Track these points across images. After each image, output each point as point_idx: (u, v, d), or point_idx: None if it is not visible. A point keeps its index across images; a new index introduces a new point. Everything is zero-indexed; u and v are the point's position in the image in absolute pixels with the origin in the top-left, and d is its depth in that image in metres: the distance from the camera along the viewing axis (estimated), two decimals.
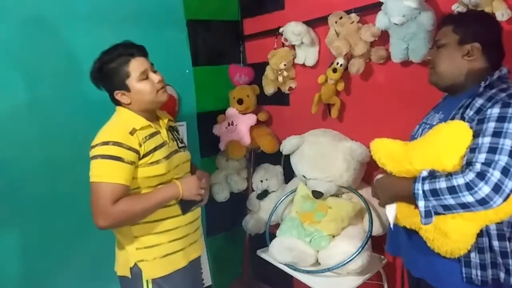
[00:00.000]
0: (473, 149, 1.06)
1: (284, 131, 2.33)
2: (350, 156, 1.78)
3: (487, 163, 1.01)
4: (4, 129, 1.75)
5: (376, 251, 1.83)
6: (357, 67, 1.77)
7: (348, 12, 1.80)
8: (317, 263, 1.77)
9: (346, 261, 1.62)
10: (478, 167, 1.02)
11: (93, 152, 1.30)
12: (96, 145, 1.30)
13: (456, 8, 1.39)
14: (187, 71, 2.35)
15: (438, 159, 1.10)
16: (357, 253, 1.62)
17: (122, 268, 1.44)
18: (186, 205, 1.45)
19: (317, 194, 1.83)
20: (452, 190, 1.03)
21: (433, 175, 1.10)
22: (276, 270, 1.86)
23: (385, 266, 1.82)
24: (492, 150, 1.02)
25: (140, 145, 1.33)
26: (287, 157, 2.05)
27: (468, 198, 1.01)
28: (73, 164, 1.83)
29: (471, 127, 1.09)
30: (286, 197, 2.08)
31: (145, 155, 1.34)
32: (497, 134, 1.03)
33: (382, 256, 1.85)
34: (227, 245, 2.65)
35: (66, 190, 1.87)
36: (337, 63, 1.84)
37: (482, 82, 1.14)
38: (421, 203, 1.08)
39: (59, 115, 1.87)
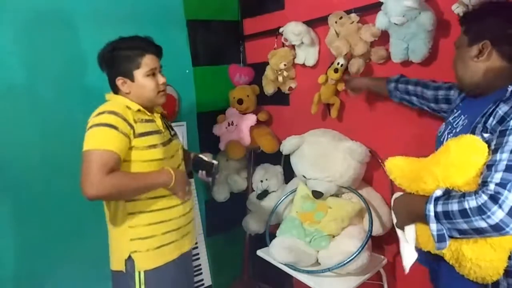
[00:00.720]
0: (489, 166, 0.96)
1: (284, 131, 2.33)
2: (350, 156, 1.78)
3: (503, 184, 0.91)
4: (4, 129, 1.75)
5: (376, 251, 1.83)
6: (357, 67, 1.77)
7: (348, 12, 1.80)
8: (317, 263, 1.77)
9: (346, 261, 1.62)
10: (491, 188, 0.92)
11: (88, 125, 1.29)
12: (91, 118, 1.30)
13: (456, 8, 1.38)
14: (187, 71, 2.35)
15: (451, 179, 1.02)
16: (357, 253, 1.62)
17: (117, 262, 1.42)
18: (211, 176, 1.60)
19: (317, 194, 1.83)
20: (463, 213, 0.94)
21: (448, 194, 1.01)
22: (276, 270, 1.86)
23: (385, 266, 1.82)
24: (509, 168, 0.92)
25: (135, 122, 1.32)
26: (287, 157, 2.05)
27: (480, 223, 0.91)
28: (73, 164, 1.82)
29: (490, 140, 0.99)
30: (286, 197, 2.08)
31: (140, 135, 1.33)
32: None
33: (382, 256, 1.85)
34: (227, 245, 2.65)
35: (66, 189, 1.87)
36: (338, 63, 1.84)
37: (510, 86, 1.04)
38: (433, 226, 1.00)
39: (59, 115, 1.87)
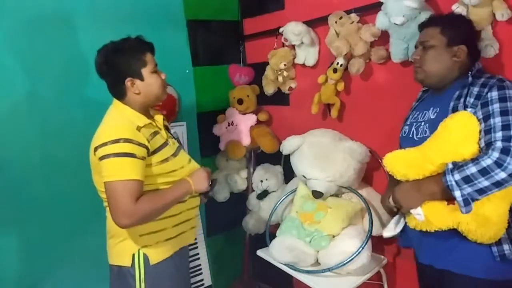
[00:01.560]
0: (487, 131, 1.13)
1: (284, 131, 2.33)
2: (350, 156, 1.78)
3: (506, 139, 1.08)
4: (4, 129, 1.75)
5: (376, 251, 1.83)
6: (357, 67, 1.77)
7: (348, 12, 1.80)
8: (317, 263, 1.77)
9: (346, 261, 1.62)
10: (499, 144, 1.08)
11: (103, 151, 1.27)
12: (105, 144, 1.27)
13: (456, 8, 1.39)
14: (187, 71, 2.35)
15: (456, 151, 1.16)
16: (357, 253, 1.62)
17: (120, 257, 1.43)
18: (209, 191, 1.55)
19: (317, 194, 1.83)
20: (483, 172, 1.07)
21: (458, 165, 1.13)
22: (276, 270, 1.86)
23: (385, 266, 1.82)
24: (506, 127, 1.10)
25: (148, 142, 1.34)
26: (287, 157, 2.05)
27: (501, 175, 1.06)
28: (73, 164, 1.84)
29: (475, 112, 1.17)
30: (286, 197, 2.08)
31: (153, 152, 1.36)
32: (504, 112, 1.12)
33: (382, 256, 1.85)
34: (227, 245, 2.65)
35: (66, 189, 1.88)
36: (337, 63, 1.84)
37: (469, 73, 1.26)
38: (457, 193, 1.11)
39: (59, 115, 1.87)
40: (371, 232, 1.71)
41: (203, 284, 2.22)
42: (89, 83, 1.94)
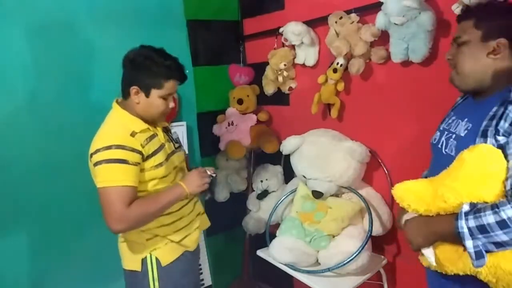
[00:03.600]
0: None
1: (284, 131, 2.33)
2: (350, 156, 1.78)
3: None
4: (4, 129, 1.75)
5: (376, 251, 1.83)
6: (357, 67, 1.77)
7: (348, 12, 1.80)
8: (317, 263, 1.77)
9: (346, 261, 1.62)
10: None
11: (96, 158, 1.30)
12: (98, 150, 1.29)
13: (456, 8, 1.38)
14: (187, 71, 2.34)
15: (474, 192, 0.98)
16: (357, 253, 1.62)
17: (132, 262, 1.46)
18: (210, 189, 1.54)
19: (317, 194, 1.83)
20: (502, 224, 0.90)
21: (475, 208, 0.96)
22: (276, 270, 1.86)
23: (385, 266, 1.82)
24: None
25: (143, 147, 1.35)
26: (287, 157, 2.05)
27: None
28: (72, 164, 1.84)
29: (507, 142, 0.97)
30: (286, 197, 2.08)
31: (148, 157, 1.36)
32: None
33: (382, 256, 1.85)
34: (227, 245, 2.65)
35: (66, 190, 1.88)
36: (337, 63, 1.84)
37: None
38: (469, 243, 0.94)
39: (59, 116, 1.87)
40: (371, 232, 1.71)
41: (203, 284, 2.23)
42: (89, 84, 1.94)
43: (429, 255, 1.08)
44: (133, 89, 1.37)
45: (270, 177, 2.36)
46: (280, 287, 2.53)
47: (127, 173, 1.29)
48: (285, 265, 1.80)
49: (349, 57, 1.83)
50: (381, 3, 1.57)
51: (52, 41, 1.85)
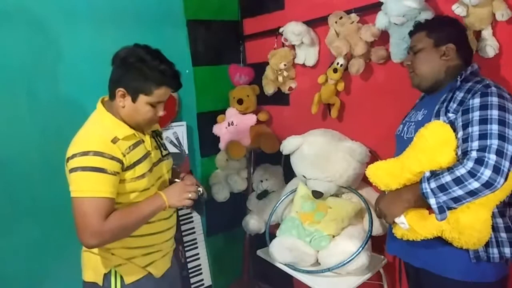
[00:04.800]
0: (465, 139, 1.14)
1: (284, 131, 2.33)
2: (350, 156, 1.78)
3: (482, 149, 1.08)
4: (4, 129, 1.75)
5: (376, 251, 1.83)
6: (357, 67, 1.77)
7: (348, 12, 1.80)
8: (317, 263, 1.77)
9: (346, 261, 1.62)
10: (474, 154, 1.09)
11: (71, 164, 1.19)
12: (75, 155, 1.19)
13: (456, 8, 1.39)
14: (187, 71, 2.35)
15: (433, 160, 1.17)
16: (357, 253, 1.62)
17: (93, 274, 1.34)
18: (197, 208, 1.41)
19: (317, 194, 1.82)
20: (457, 181, 1.09)
21: (435, 173, 1.15)
22: (276, 270, 1.86)
23: (385, 266, 1.82)
24: (483, 136, 1.10)
25: (124, 156, 1.23)
26: (287, 157, 2.05)
27: (474, 184, 1.07)
28: None
29: (455, 119, 1.18)
30: (286, 197, 2.08)
31: (129, 167, 1.25)
32: (483, 121, 1.12)
33: (382, 256, 1.85)
34: (227, 245, 2.65)
35: (66, 190, 1.86)
36: (337, 63, 1.84)
37: (458, 77, 1.25)
38: (432, 201, 1.12)
39: (59, 115, 1.87)
40: (371, 232, 1.71)
41: (203, 284, 2.23)
42: (89, 84, 1.94)
43: (402, 221, 1.22)
44: (119, 91, 1.24)
45: (270, 177, 2.36)
46: (280, 287, 2.52)
47: (104, 183, 1.18)
48: (285, 265, 1.80)
49: (349, 57, 1.83)
50: (381, 3, 1.57)
51: (52, 41, 1.85)
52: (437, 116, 1.24)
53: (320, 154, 1.84)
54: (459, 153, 1.15)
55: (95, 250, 1.32)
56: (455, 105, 1.20)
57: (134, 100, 1.26)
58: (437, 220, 1.14)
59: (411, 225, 1.22)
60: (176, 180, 1.42)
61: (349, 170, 1.79)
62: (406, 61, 1.40)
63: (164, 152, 1.46)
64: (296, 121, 2.29)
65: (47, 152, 1.84)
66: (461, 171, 1.08)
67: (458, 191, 1.09)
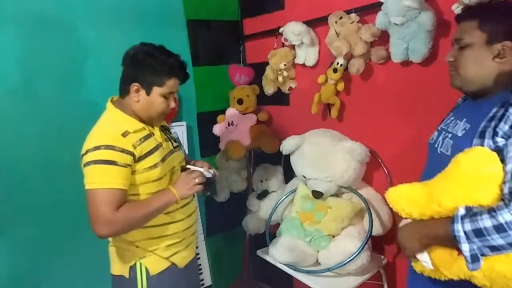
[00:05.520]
0: None
1: (284, 131, 2.33)
2: (350, 156, 1.78)
3: None
4: (4, 129, 1.75)
5: (376, 251, 1.83)
6: (357, 67, 1.77)
7: (348, 12, 1.80)
8: (317, 263, 1.77)
9: (346, 261, 1.62)
10: None
11: (85, 159, 1.25)
12: (88, 151, 1.25)
13: (456, 8, 1.39)
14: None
15: (470, 196, 0.97)
16: (357, 253, 1.62)
17: (120, 268, 1.42)
18: (209, 190, 1.49)
19: (317, 194, 1.83)
20: (499, 228, 0.89)
21: (471, 212, 0.95)
22: (276, 270, 1.86)
23: (385, 266, 1.82)
24: None
25: (135, 147, 1.29)
26: (287, 157, 2.05)
27: None
28: (72, 165, 1.82)
29: (505, 145, 0.96)
30: (286, 197, 2.08)
31: (140, 158, 1.31)
32: None
33: (382, 256, 1.85)
34: (227, 245, 2.65)
35: (66, 189, 1.87)
36: (337, 63, 1.84)
37: None
38: (465, 247, 0.93)
39: (59, 115, 1.87)
40: (371, 232, 1.71)
41: (203, 284, 2.23)
42: (89, 84, 1.94)
43: (425, 259, 1.06)
44: (134, 86, 1.33)
45: (270, 177, 2.36)
46: (280, 287, 2.52)
47: (115, 175, 1.24)
48: (285, 265, 1.80)
49: (349, 57, 1.83)
50: (381, 3, 1.57)
51: (52, 41, 1.85)
52: (482, 137, 1.00)
53: (320, 154, 1.84)
54: (506, 191, 0.94)
55: (120, 244, 1.40)
56: (507, 127, 0.96)
57: (148, 93, 1.34)
58: (469, 269, 0.95)
59: (436, 264, 1.04)
60: (189, 166, 1.49)
61: (349, 170, 1.79)
62: (449, 57, 1.14)
63: (175, 144, 1.52)
64: (296, 121, 2.29)
65: (47, 152, 1.85)
66: (505, 216, 0.89)
67: (498, 240, 0.90)
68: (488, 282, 0.97)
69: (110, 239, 1.45)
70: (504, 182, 0.94)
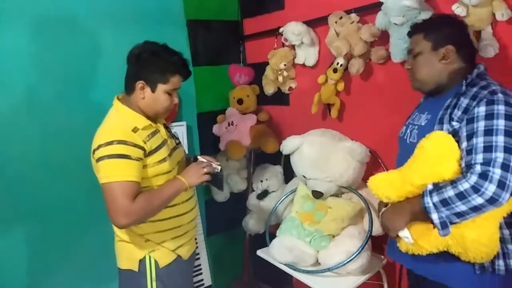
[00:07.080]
0: (469, 151, 1.09)
1: (284, 131, 2.34)
2: (350, 156, 1.78)
3: (486, 162, 1.04)
4: (4, 129, 1.75)
5: (376, 251, 1.83)
6: (357, 67, 1.77)
7: (348, 12, 1.80)
8: (317, 263, 1.77)
9: (346, 261, 1.62)
10: (478, 168, 1.05)
11: (98, 154, 1.29)
12: (100, 146, 1.29)
13: (456, 8, 1.39)
14: None
15: (435, 172, 1.13)
16: (357, 253, 1.62)
17: (128, 262, 1.46)
18: (216, 184, 1.54)
19: (317, 194, 1.83)
20: (460, 196, 1.05)
21: (438, 186, 1.11)
22: (276, 270, 1.86)
23: (385, 266, 1.82)
24: (488, 148, 1.05)
25: (145, 143, 1.34)
26: (287, 157, 2.05)
27: (478, 200, 1.03)
28: (72, 165, 1.84)
29: (460, 127, 1.13)
30: (286, 197, 2.08)
31: (150, 153, 1.36)
32: (488, 132, 1.06)
33: (382, 256, 1.85)
34: (227, 245, 2.65)
35: (66, 190, 1.88)
36: (337, 63, 1.84)
37: (464, 81, 1.20)
38: (435, 216, 1.09)
39: (59, 115, 1.87)
40: (371, 232, 1.71)
41: (203, 284, 2.23)
42: (89, 84, 1.94)
43: (406, 234, 1.19)
44: (139, 83, 1.37)
45: (270, 177, 2.36)
46: (280, 287, 2.52)
47: (129, 168, 1.29)
48: (285, 265, 1.80)
49: (349, 57, 1.83)
50: (381, 3, 1.57)
51: (52, 41, 1.85)
52: (441, 123, 1.19)
53: (320, 154, 1.84)
54: (463, 165, 1.11)
55: (130, 238, 1.44)
56: (459, 113, 1.15)
57: (153, 90, 1.39)
58: (440, 235, 1.10)
59: (416, 240, 1.18)
60: (198, 157, 1.56)
61: (349, 170, 1.79)
62: (406, 66, 1.36)
63: (177, 141, 1.58)
64: (296, 121, 2.29)
65: (47, 153, 1.84)
66: (464, 185, 1.04)
67: (461, 207, 1.05)
68: (462, 249, 1.12)
69: (118, 233, 1.47)
70: (461, 158, 1.12)
